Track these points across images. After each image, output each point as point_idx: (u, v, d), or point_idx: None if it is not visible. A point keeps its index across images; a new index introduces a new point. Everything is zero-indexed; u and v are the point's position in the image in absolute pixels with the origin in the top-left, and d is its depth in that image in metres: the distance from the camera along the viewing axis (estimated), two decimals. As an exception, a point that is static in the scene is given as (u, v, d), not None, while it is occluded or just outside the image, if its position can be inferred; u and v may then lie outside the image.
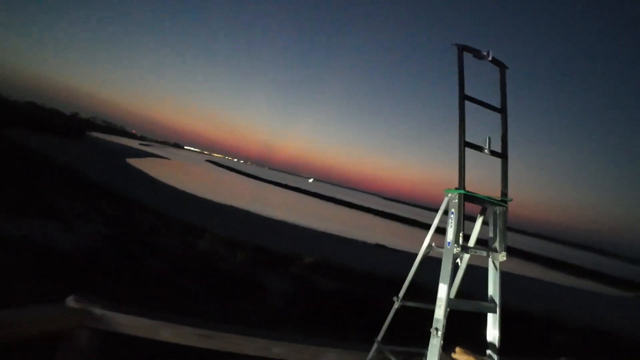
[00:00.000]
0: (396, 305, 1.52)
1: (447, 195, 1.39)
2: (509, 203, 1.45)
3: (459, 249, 1.29)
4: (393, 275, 10.87)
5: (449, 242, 1.31)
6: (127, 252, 6.33)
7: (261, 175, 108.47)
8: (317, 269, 9.44)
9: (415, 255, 1.54)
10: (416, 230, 53.23)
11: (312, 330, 4.04)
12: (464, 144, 1.38)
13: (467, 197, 1.37)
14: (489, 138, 1.46)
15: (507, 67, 1.63)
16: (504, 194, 1.45)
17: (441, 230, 1.47)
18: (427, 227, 1.57)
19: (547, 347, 5.99)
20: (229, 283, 6.39)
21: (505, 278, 1.44)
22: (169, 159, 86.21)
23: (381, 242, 26.40)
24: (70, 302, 1.56)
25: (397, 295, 1.53)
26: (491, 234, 1.45)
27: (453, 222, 1.32)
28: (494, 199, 1.42)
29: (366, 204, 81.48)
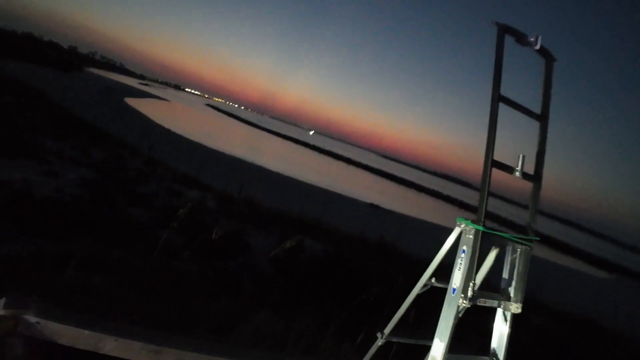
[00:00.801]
0: (379, 342, 1.27)
1: (458, 225, 1.08)
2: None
3: (466, 300, 1.01)
4: (383, 241, 10.86)
5: (454, 289, 1.04)
6: (109, 201, 6.12)
7: (261, 124, 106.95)
8: (307, 229, 9.35)
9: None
10: (410, 193, 53.51)
11: (293, 304, 3.94)
12: (491, 164, 1.05)
13: (485, 233, 1.07)
14: (523, 157, 1.12)
15: (555, 60, 1.26)
16: (531, 228, 1.15)
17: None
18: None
19: (527, 329, 6.04)
20: (215, 240, 6.26)
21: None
22: (169, 101, 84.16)
23: (375, 201, 26.41)
24: (0, 307, 1.33)
25: (381, 331, 1.28)
26: (505, 275, 1.16)
27: (463, 264, 1.03)
28: (519, 238, 1.12)
29: (364, 161, 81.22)
